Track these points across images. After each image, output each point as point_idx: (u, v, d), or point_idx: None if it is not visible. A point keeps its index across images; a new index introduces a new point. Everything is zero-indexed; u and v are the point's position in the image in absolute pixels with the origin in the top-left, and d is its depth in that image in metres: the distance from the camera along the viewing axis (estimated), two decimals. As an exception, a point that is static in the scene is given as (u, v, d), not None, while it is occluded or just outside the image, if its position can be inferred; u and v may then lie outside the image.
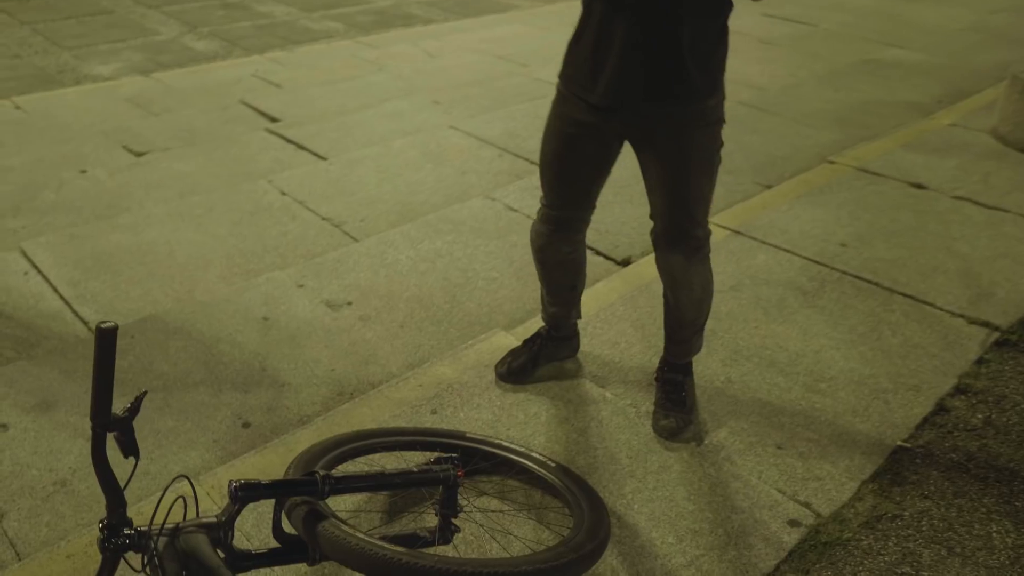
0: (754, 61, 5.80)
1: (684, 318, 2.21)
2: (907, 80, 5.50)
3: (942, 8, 8.02)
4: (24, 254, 3.20)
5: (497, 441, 2.05)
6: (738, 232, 3.30)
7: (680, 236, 2.03)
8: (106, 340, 1.23)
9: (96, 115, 4.87)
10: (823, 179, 3.77)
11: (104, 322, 1.23)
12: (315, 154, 4.23)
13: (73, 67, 6.00)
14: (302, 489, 1.51)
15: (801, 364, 2.53)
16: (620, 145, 2.02)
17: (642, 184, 2.03)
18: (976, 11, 7.76)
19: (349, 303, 2.87)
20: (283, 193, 3.73)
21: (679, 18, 1.75)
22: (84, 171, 4.01)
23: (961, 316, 2.79)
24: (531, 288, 2.91)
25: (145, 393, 1.33)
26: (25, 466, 2.16)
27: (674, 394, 2.27)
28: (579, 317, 2.45)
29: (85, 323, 2.80)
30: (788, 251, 3.16)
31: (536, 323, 2.54)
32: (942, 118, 4.67)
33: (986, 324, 2.75)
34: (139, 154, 4.26)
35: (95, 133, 4.54)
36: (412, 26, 7.46)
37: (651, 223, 2.08)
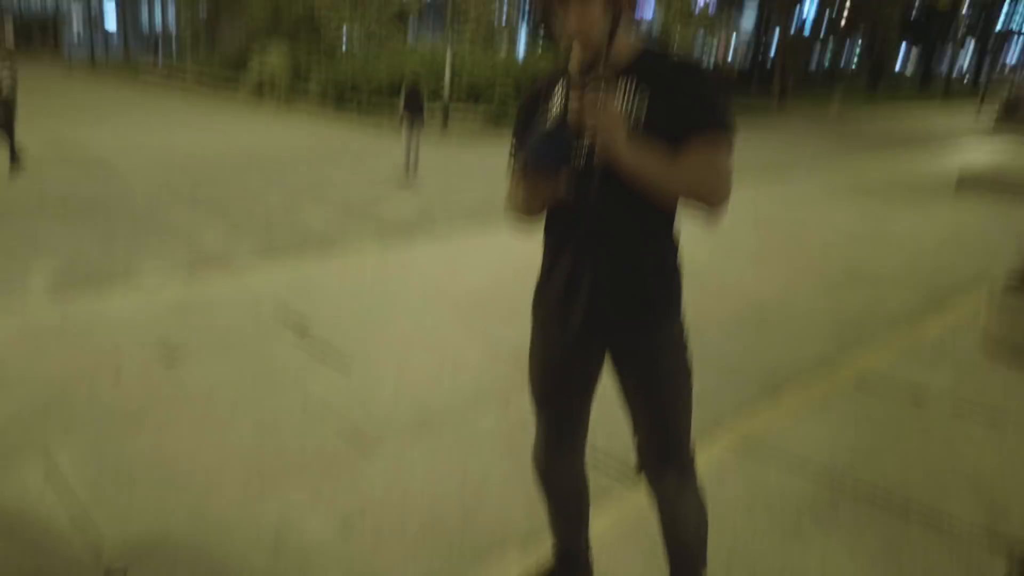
0: (750, 272, 5.88)
1: (688, 544, 2.03)
2: (894, 288, 5.52)
3: (917, 220, 8.26)
4: (45, 459, 3.08)
5: None
6: (747, 448, 3.15)
7: (669, 457, 1.92)
8: None
9: (135, 319, 4.90)
10: (826, 391, 3.66)
11: None
12: (339, 363, 4.20)
13: (120, 270, 6.14)
14: None
15: (822, 596, 2.30)
16: (602, 362, 1.94)
17: None
18: (948, 223, 7.98)
19: (363, 518, 2.70)
20: (305, 403, 3.65)
21: (638, 246, 1.76)
22: (116, 376, 3.97)
23: (980, 539, 2.57)
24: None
25: None
26: None
27: None
28: (588, 539, 2.26)
29: (96, 543, 2.62)
30: (798, 468, 3.00)
31: (549, 544, 2.35)
32: (931, 327, 4.63)
33: (1008, 546, 2.52)
34: (171, 361, 4.24)
35: (132, 338, 4.54)
36: (435, 233, 7.71)
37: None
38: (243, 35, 31.06)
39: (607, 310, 1.80)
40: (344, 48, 24.03)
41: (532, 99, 1.87)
